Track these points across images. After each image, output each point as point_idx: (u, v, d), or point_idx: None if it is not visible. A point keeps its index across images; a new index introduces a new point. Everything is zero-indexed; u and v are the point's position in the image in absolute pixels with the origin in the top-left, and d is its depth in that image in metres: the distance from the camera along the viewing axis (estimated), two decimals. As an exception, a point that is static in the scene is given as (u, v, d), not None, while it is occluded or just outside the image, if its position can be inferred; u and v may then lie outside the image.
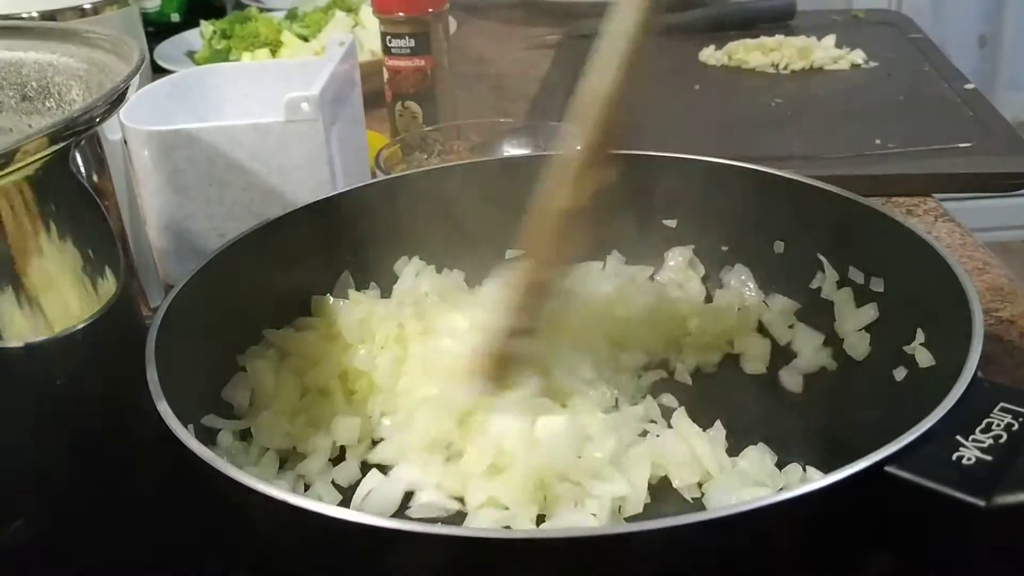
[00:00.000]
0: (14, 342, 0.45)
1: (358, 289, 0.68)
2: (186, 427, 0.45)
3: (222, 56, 1.24)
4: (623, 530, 0.40)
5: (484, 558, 0.39)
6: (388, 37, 0.96)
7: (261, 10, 1.36)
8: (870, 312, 0.59)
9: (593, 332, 0.62)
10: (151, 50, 1.25)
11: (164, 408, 0.46)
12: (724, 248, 0.68)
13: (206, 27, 1.29)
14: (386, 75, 0.98)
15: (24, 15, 0.99)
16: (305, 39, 1.26)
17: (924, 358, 0.52)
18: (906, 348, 0.55)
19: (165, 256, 0.75)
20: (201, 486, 0.45)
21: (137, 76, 0.50)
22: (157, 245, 0.74)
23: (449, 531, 0.39)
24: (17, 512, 0.47)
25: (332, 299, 0.66)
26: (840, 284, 0.62)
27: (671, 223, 0.70)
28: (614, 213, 0.70)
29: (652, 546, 0.38)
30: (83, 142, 0.48)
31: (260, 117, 0.73)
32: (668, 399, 0.59)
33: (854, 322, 0.59)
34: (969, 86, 1.07)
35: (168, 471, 0.49)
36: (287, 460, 0.57)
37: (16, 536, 0.47)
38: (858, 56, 1.19)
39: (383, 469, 0.55)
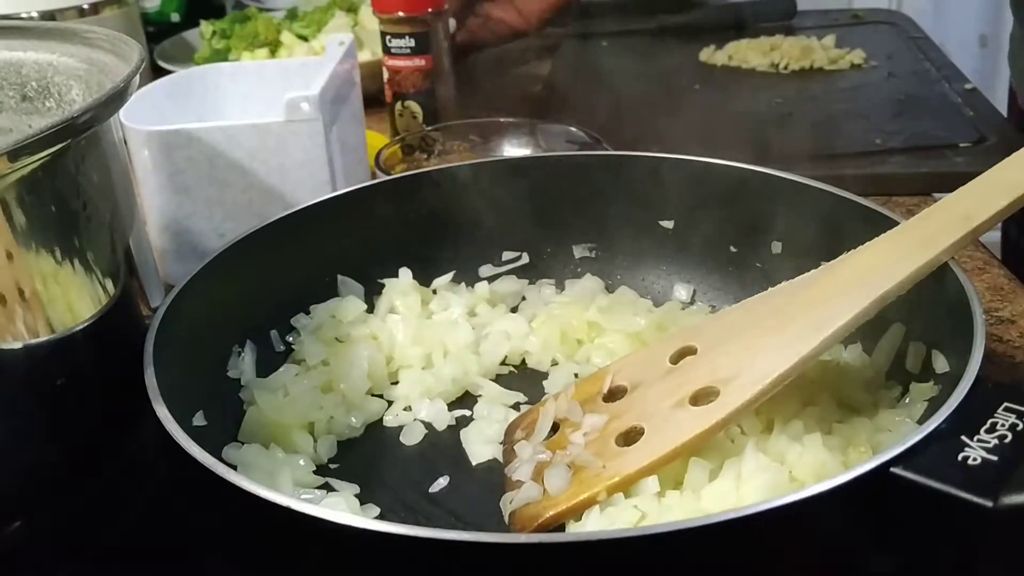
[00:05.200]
0: (14, 342, 0.45)
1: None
2: (184, 429, 0.45)
3: (222, 56, 1.24)
4: (625, 534, 0.40)
5: (496, 561, 0.39)
6: (388, 37, 0.96)
7: (261, 10, 1.36)
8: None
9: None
10: (151, 50, 1.25)
11: (162, 411, 0.46)
12: (733, 249, 0.68)
13: (205, 27, 1.29)
14: (386, 75, 0.98)
15: (24, 15, 0.99)
16: (305, 39, 1.26)
17: (941, 363, 0.52)
18: (908, 352, 0.55)
19: (165, 256, 0.75)
20: (200, 487, 0.45)
21: (137, 76, 0.50)
22: (157, 245, 0.74)
23: (462, 536, 0.39)
24: (17, 512, 0.47)
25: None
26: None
27: (668, 224, 0.70)
28: (610, 214, 0.70)
29: (657, 550, 0.38)
30: (83, 142, 0.48)
31: (260, 117, 0.73)
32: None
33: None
34: (969, 86, 1.07)
35: (168, 471, 0.49)
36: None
37: (16, 536, 0.47)
38: (858, 56, 1.19)
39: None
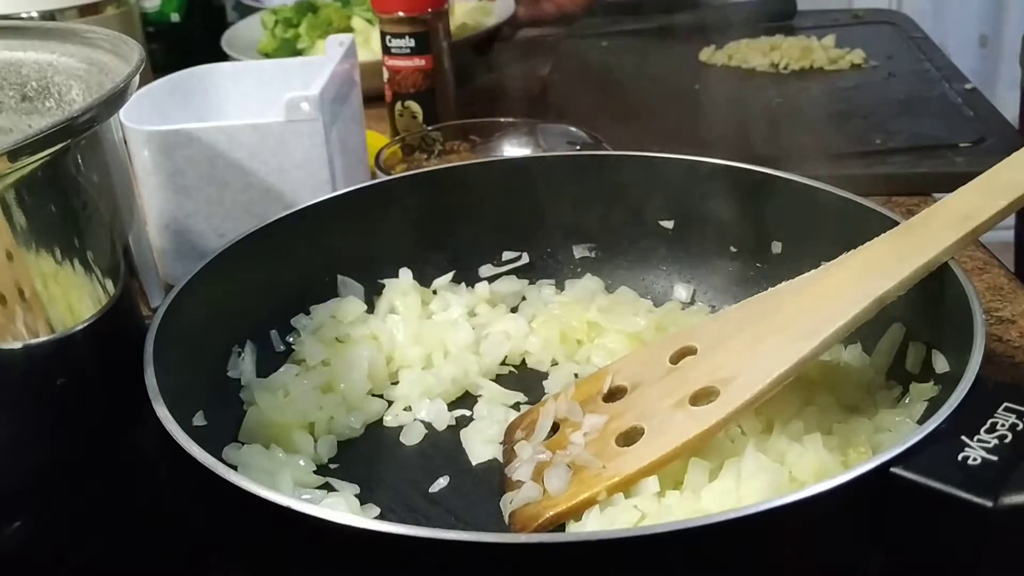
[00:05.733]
0: (14, 342, 0.45)
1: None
2: (184, 429, 0.45)
3: (290, 45, 1.26)
4: (625, 534, 0.40)
5: (496, 561, 0.39)
6: (388, 37, 0.96)
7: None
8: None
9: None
10: (151, 51, 1.24)
11: (162, 411, 0.46)
12: (733, 249, 0.68)
13: (267, 16, 1.31)
14: (386, 75, 0.98)
15: (24, 15, 0.99)
16: (370, 22, 1.27)
17: (940, 363, 0.52)
18: (908, 352, 0.55)
19: (165, 255, 0.75)
20: (200, 487, 0.45)
21: (137, 76, 0.50)
22: (157, 245, 0.74)
23: (462, 536, 0.39)
24: (17, 512, 0.47)
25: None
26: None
27: (668, 224, 0.70)
28: (610, 214, 0.70)
29: (657, 549, 0.38)
30: (83, 142, 0.48)
31: (260, 117, 0.73)
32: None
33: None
34: (969, 86, 1.07)
35: (168, 471, 0.49)
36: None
37: (16, 536, 0.47)
38: (858, 56, 1.19)
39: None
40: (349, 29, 1.26)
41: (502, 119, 0.90)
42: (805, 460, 0.48)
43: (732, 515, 0.38)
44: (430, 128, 0.91)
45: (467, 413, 0.61)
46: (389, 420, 0.61)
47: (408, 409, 0.61)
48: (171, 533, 0.53)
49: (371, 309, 0.67)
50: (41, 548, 0.49)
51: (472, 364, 0.63)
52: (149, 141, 0.72)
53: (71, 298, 0.48)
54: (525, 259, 0.72)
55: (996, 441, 0.40)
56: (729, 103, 1.10)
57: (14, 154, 0.41)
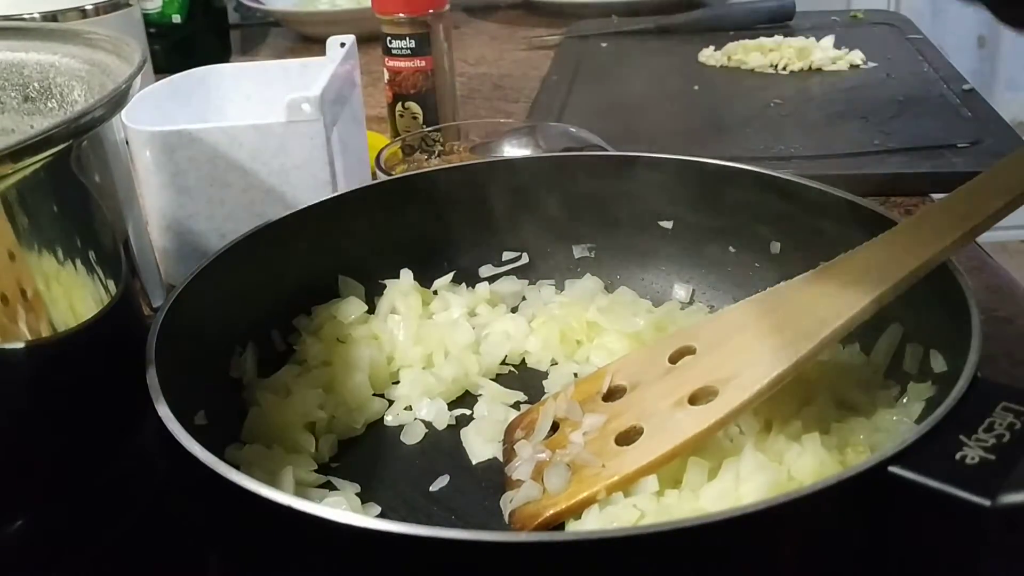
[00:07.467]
0: (16, 342, 0.45)
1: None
2: (186, 428, 0.45)
3: None
4: (625, 533, 0.40)
5: (496, 559, 0.39)
6: (388, 38, 0.96)
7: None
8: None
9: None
10: (152, 52, 1.25)
11: (164, 410, 0.46)
12: (732, 249, 0.68)
13: None
14: (386, 76, 0.98)
15: (26, 16, 0.99)
16: None
17: (938, 363, 0.52)
18: (906, 352, 0.55)
19: (167, 256, 0.75)
20: (201, 487, 0.45)
21: (139, 77, 0.50)
22: (159, 245, 0.74)
23: (462, 535, 0.39)
24: (18, 511, 0.47)
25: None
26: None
27: (667, 225, 0.70)
28: (610, 214, 0.71)
29: (656, 548, 0.38)
30: (85, 142, 0.48)
31: (261, 118, 0.73)
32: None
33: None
34: (967, 87, 1.07)
35: (169, 471, 0.50)
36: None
37: (16, 536, 0.47)
38: (857, 57, 1.19)
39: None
40: None
41: (502, 119, 0.90)
42: (803, 459, 0.48)
43: (731, 514, 0.38)
44: (430, 128, 0.92)
45: (467, 412, 0.61)
46: (390, 419, 0.61)
47: (409, 408, 0.62)
48: (171, 533, 0.53)
49: (372, 309, 0.67)
50: (41, 548, 0.49)
51: (472, 364, 0.64)
52: (151, 142, 0.72)
53: (73, 298, 0.48)
54: (525, 259, 0.72)
55: (994, 440, 0.40)
56: (728, 103, 1.10)
57: (16, 154, 0.41)
